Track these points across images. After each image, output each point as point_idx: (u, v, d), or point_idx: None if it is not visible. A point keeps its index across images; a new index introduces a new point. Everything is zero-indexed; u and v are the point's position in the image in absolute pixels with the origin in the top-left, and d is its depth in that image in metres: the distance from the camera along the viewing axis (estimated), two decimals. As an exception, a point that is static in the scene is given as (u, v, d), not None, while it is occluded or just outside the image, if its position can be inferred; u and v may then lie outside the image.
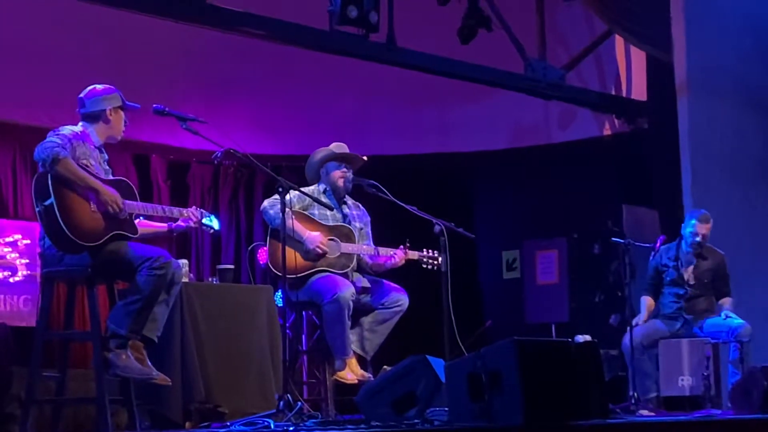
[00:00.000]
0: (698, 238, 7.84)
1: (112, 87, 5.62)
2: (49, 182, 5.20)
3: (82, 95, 5.59)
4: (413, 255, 6.92)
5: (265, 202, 6.68)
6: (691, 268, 7.90)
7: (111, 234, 5.35)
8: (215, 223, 5.96)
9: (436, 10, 8.78)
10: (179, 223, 5.78)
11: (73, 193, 5.27)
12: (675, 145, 9.27)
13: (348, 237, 6.78)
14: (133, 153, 9.29)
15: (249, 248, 8.47)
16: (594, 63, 10.17)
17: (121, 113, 5.60)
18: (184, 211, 5.79)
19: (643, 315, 7.89)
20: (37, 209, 5.27)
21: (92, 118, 5.56)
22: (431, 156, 10.56)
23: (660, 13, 9.34)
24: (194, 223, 5.77)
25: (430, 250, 6.94)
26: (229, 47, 8.88)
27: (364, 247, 6.84)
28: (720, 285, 7.96)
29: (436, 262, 6.89)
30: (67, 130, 5.43)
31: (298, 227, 6.61)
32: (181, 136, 8.28)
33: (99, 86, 5.61)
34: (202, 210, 5.86)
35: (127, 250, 5.36)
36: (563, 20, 9.97)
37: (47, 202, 5.21)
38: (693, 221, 7.88)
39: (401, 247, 6.88)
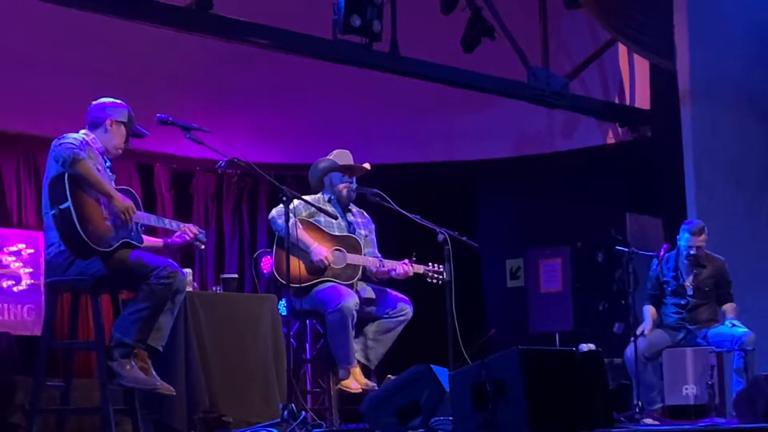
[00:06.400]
0: (693, 251, 7.79)
1: (124, 103, 5.65)
2: (66, 186, 5.23)
3: (93, 103, 5.64)
4: (418, 269, 6.89)
5: (273, 212, 6.65)
6: (690, 278, 7.85)
7: (121, 241, 5.38)
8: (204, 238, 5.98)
9: (440, 19, 8.77)
10: (174, 239, 5.80)
11: (88, 197, 5.29)
12: (678, 154, 9.28)
13: (355, 248, 6.74)
14: (137, 162, 9.30)
15: (254, 256, 8.48)
16: (597, 71, 10.16)
17: (123, 129, 5.61)
18: (182, 225, 5.81)
19: (648, 323, 7.85)
20: (51, 212, 5.29)
21: (93, 125, 5.59)
22: (435, 165, 10.56)
23: (663, 22, 9.35)
24: (190, 238, 5.78)
25: (435, 264, 6.90)
26: (233, 56, 8.88)
27: (370, 259, 6.81)
28: (722, 291, 7.91)
29: (441, 277, 6.85)
30: (80, 135, 5.48)
31: (306, 237, 6.59)
32: (185, 145, 8.31)
33: (111, 99, 5.65)
34: (197, 227, 5.87)
35: (135, 259, 5.38)
36: (566, 29, 9.97)
37: (63, 206, 5.23)
38: (686, 235, 7.80)
39: (406, 260, 6.87)
